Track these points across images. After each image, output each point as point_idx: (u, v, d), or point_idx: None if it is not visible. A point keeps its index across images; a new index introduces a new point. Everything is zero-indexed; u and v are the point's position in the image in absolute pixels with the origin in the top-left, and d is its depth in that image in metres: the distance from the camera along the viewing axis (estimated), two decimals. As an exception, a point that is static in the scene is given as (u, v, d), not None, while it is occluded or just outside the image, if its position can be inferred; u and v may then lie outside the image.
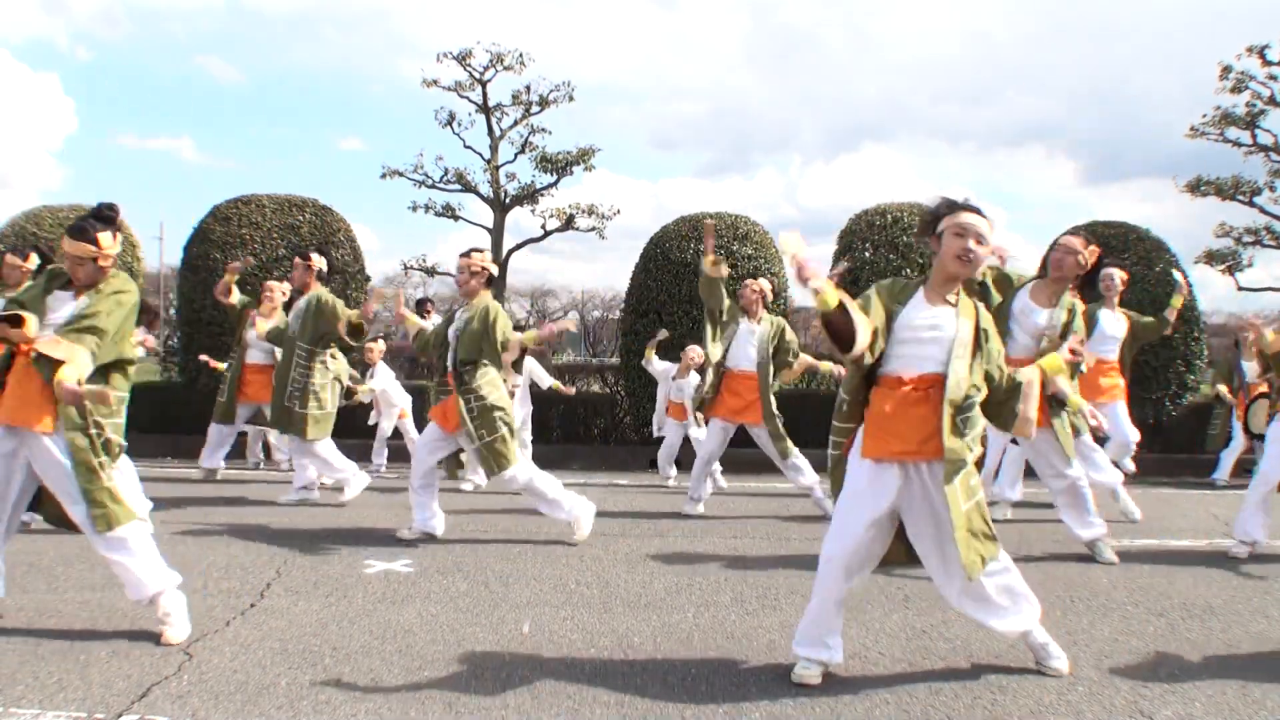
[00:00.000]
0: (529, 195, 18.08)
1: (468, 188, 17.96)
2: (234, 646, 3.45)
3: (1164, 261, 9.79)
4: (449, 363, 5.42)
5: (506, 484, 5.41)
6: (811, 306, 6.01)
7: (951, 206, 3.16)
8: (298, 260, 6.80)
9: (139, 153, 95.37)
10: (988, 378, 3.20)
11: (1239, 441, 8.81)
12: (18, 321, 3.43)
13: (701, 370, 7.12)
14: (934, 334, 3.12)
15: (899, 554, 3.29)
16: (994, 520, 6.12)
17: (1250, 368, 8.79)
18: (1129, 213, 78.61)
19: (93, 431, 3.45)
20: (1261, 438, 5.64)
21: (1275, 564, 5.12)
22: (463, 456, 6.02)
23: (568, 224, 17.85)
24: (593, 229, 18.02)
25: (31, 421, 3.42)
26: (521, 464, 5.40)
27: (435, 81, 17.72)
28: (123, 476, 5.37)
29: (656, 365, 8.07)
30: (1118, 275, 6.70)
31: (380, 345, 8.96)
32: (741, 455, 7.73)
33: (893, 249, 9.94)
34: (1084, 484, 5.03)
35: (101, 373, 3.52)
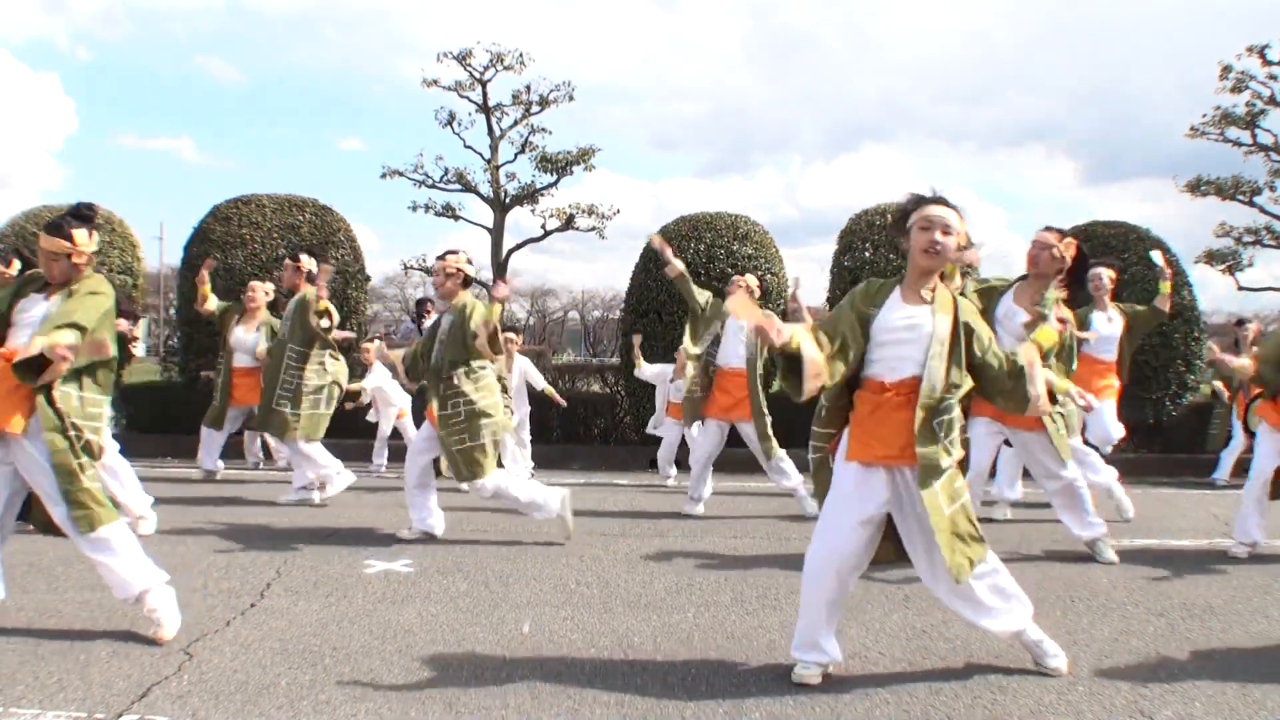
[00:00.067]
0: (529, 195, 18.08)
1: (468, 188, 17.97)
2: (234, 646, 3.45)
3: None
4: (435, 367, 5.41)
5: (476, 490, 5.39)
6: (811, 306, 6.00)
7: (918, 201, 3.16)
8: (287, 262, 6.81)
9: (139, 153, 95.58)
10: (986, 366, 3.17)
11: (1239, 441, 8.80)
12: None
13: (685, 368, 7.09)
14: (911, 334, 3.11)
15: (889, 553, 3.28)
16: (994, 520, 6.21)
17: None
18: (1129, 213, 78.63)
19: (71, 433, 3.44)
20: None
21: (1275, 564, 5.12)
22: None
23: (568, 224, 17.85)
24: (593, 229, 18.04)
25: (1, 423, 3.40)
26: (495, 474, 5.34)
27: (435, 81, 17.73)
28: (116, 476, 5.41)
29: (647, 370, 8.07)
30: (1106, 274, 6.62)
31: (377, 346, 8.96)
32: (740, 455, 7.71)
33: (893, 249, 9.93)
34: (1080, 484, 5.03)
35: (76, 375, 3.51)
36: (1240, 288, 16.73)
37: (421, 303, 10.90)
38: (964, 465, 3.23)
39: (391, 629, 3.71)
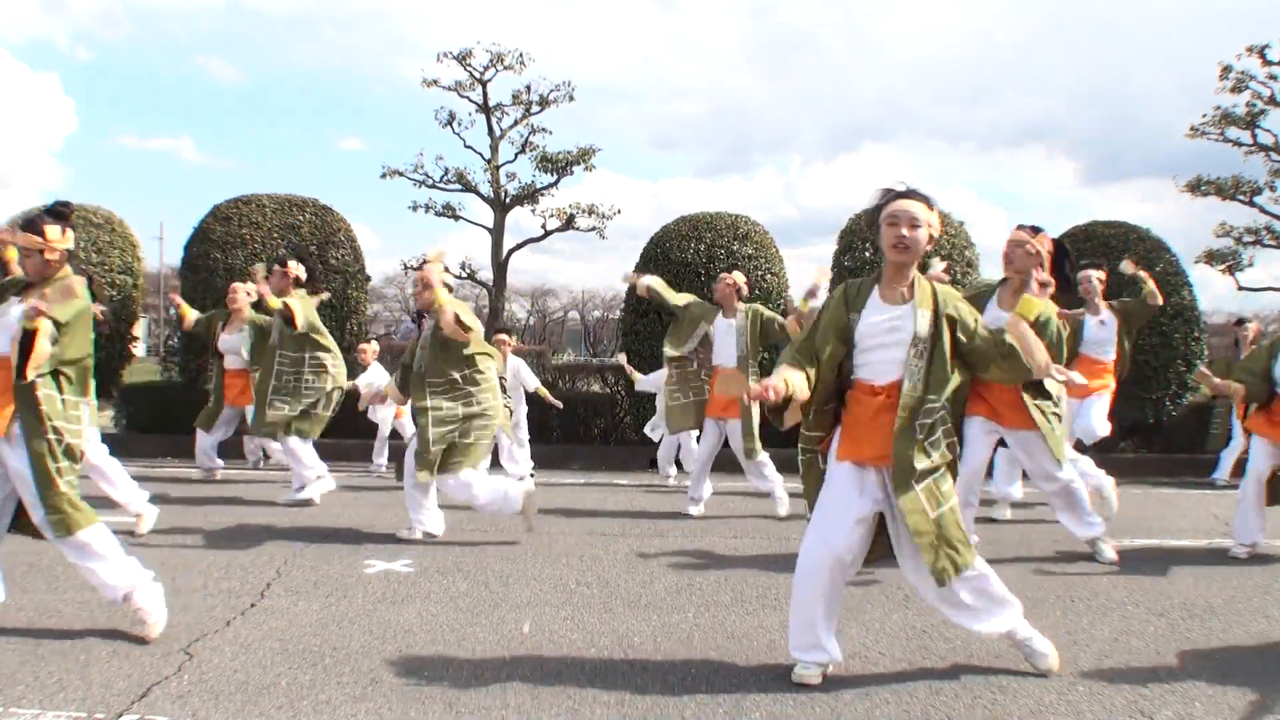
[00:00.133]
0: (529, 195, 18.05)
1: (468, 188, 17.94)
2: (234, 646, 3.45)
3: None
4: (419, 373, 5.43)
5: (439, 482, 5.37)
6: (812, 306, 5.97)
7: (884, 196, 3.16)
8: (275, 268, 6.89)
9: (139, 153, 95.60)
10: (977, 350, 3.13)
11: (1239, 441, 8.79)
12: None
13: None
14: (894, 336, 3.11)
15: (881, 550, 3.28)
16: (994, 520, 6.20)
17: None
18: (1129, 213, 78.62)
19: (51, 436, 3.45)
20: None
21: (1275, 564, 5.12)
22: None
23: (568, 224, 17.82)
24: (593, 229, 17.99)
25: None
26: (469, 472, 5.35)
27: (435, 81, 17.70)
28: (104, 476, 5.41)
29: (645, 381, 8.08)
30: (1095, 276, 6.65)
31: (373, 346, 9.02)
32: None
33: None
34: (1077, 485, 5.03)
35: (56, 377, 3.52)
36: (1240, 288, 16.71)
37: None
38: (954, 469, 3.20)
39: (391, 629, 3.71)
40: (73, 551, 3.49)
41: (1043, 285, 3.23)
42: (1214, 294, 63.55)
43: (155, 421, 10.01)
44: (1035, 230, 4.67)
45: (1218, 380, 5.38)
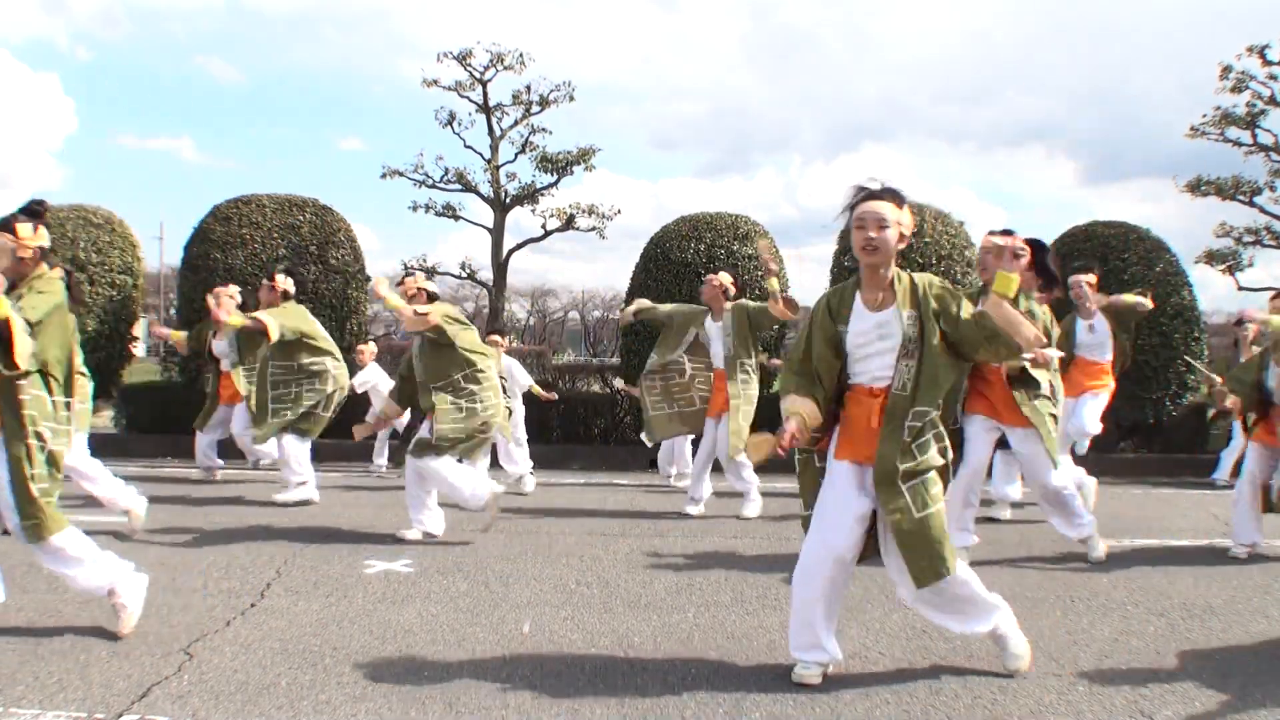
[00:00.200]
0: (529, 195, 18.03)
1: (468, 188, 17.92)
2: (234, 646, 3.45)
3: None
4: (422, 381, 5.48)
5: (419, 463, 5.39)
6: (811, 306, 5.97)
7: (856, 194, 3.12)
8: (264, 282, 7.02)
9: (139, 153, 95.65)
10: (966, 337, 3.07)
11: (1239, 441, 8.77)
12: None
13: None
14: (885, 343, 3.12)
15: (871, 549, 3.27)
16: (994, 520, 6.20)
17: None
18: (1129, 213, 78.60)
19: (32, 441, 3.43)
20: None
21: (1275, 564, 5.12)
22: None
23: (568, 224, 17.80)
24: (593, 229, 17.97)
25: None
26: (446, 460, 5.38)
27: (435, 81, 17.67)
28: (85, 476, 5.39)
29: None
30: (1085, 281, 6.69)
31: (371, 347, 9.06)
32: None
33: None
34: (1069, 489, 5.04)
35: (43, 375, 3.51)
36: (1240, 288, 16.68)
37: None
38: (945, 474, 3.18)
39: (391, 629, 3.71)
40: (48, 558, 3.50)
41: (1015, 256, 3.14)
42: (1214, 294, 63.52)
43: (155, 422, 10.01)
44: (1007, 234, 4.67)
45: (1219, 380, 5.39)
